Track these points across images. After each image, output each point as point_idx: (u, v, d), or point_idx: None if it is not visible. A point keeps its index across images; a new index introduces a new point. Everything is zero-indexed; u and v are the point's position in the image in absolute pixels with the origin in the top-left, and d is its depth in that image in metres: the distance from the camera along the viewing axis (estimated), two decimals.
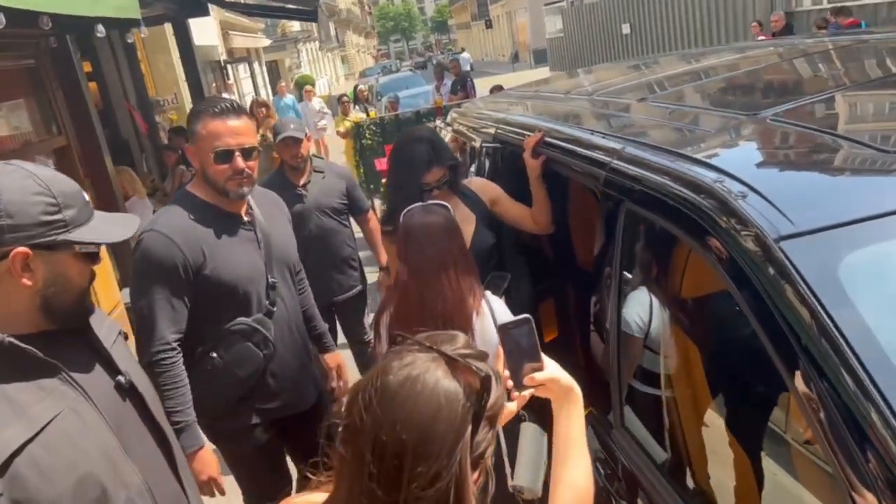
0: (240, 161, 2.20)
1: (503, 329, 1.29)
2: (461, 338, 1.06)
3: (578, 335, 3.29)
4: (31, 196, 1.25)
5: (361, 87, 12.08)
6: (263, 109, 9.17)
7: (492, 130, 3.02)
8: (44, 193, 1.27)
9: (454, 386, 0.95)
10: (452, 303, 1.99)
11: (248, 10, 11.56)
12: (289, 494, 2.30)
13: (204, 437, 2.24)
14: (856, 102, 1.83)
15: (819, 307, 1.13)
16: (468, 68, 21.74)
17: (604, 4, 20.45)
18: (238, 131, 2.21)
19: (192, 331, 2.23)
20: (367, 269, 4.26)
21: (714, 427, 1.68)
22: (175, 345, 2.18)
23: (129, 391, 1.45)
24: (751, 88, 2.30)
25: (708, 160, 1.53)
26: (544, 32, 29.99)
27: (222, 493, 2.26)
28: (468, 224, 2.54)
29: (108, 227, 1.40)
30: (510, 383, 1.24)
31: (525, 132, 2.60)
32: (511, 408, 1.23)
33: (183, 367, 2.20)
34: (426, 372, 0.96)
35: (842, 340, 1.09)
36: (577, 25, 22.33)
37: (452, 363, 0.97)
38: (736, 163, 1.53)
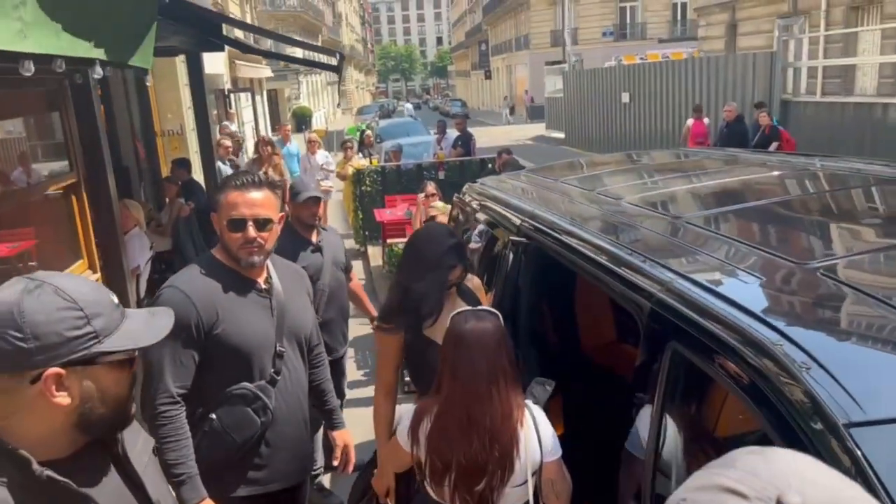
0: (251, 231, 2.31)
1: None
2: None
3: (584, 435, 3.27)
4: (57, 312, 1.18)
5: (368, 132, 12.13)
6: (269, 148, 9.16)
7: (517, 221, 3.02)
8: (70, 308, 1.20)
9: None
10: (500, 418, 1.93)
11: (278, 59, 11.65)
12: None
13: (205, 491, 2.24)
14: None
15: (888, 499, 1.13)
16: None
17: (605, 72, 20.91)
18: (255, 203, 2.33)
19: (195, 390, 2.29)
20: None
21: None
22: (179, 398, 2.25)
23: None
24: (795, 225, 2.32)
25: (765, 316, 1.53)
26: (543, 89, 30.52)
27: None
28: None
29: (140, 328, 1.34)
30: None
31: (555, 233, 2.60)
32: None
33: (185, 421, 2.26)
34: None
35: None
36: (577, 88, 22.77)
37: None
38: (793, 323, 1.53)
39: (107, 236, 4.88)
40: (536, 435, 1.96)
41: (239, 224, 2.31)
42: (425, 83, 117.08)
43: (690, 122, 13.03)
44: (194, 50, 8.22)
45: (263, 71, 23.90)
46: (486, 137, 19.35)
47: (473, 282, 2.73)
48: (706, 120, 13.21)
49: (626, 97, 18.75)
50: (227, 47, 13.73)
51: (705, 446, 1.78)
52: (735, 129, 11.08)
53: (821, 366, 1.34)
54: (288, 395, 2.45)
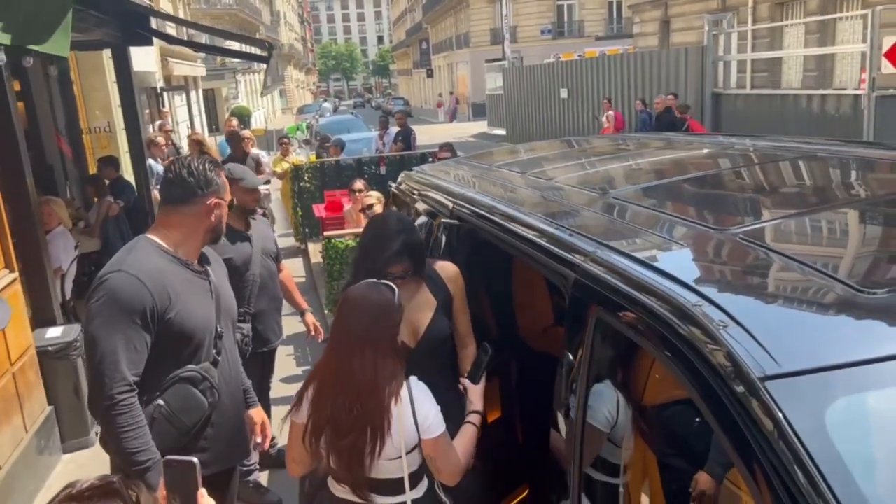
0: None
1: (167, 463, 1.44)
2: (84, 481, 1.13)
3: (520, 417, 3.27)
4: None
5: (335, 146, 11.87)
6: (198, 146, 8.89)
7: (449, 205, 2.99)
8: None
9: None
10: (366, 385, 1.96)
11: (198, 49, 11.34)
12: None
13: None
14: (824, 225, 1.88)
15: (802, 449, 1.13)
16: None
17: (543, 69, 21.13)
18: None
19: (142, 376, 2.22)
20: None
21: None
22: (134, 385, 2.18)
23: None
24: (715, 195, 2.36)
25: (685, 279, 1.53)
26: (484, 87, 30.68)
27: None
28: (427, 310, 2.49)
29: None
30: None
31: (486, 213, 2.58)
32: None
33: (140, 408, 2.20)
34: None
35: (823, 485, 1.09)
36: (517, 85, 22.94)
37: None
38: (712, 284, 1.54)
39: (25, 235, 4.65)
40: (412, 412, 1.97)
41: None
42: (367, 82, 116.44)
43: (612, 112, 14.08)
44: (120, 43, 7.95)
45: (198, 69, 23.32)
46: (427, 136, 19.29)
47: (446, 269, 2.60)
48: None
49: (564, 93, 18.98)
50: (157, 43, 13.34)
51: (634, 411, 1.78)
52: (664, 120, 11.62)
53: (738, 324, 1.34)
54: (228, 376, 2.46)
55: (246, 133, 8.38)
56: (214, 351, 2.38)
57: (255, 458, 3.79)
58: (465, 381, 2.27)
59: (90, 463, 4.33)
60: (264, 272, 3.74)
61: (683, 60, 13.93)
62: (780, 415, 1.18)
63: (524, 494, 3.03)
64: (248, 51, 9.65)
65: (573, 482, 1.79)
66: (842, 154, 2.61)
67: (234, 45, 10.23)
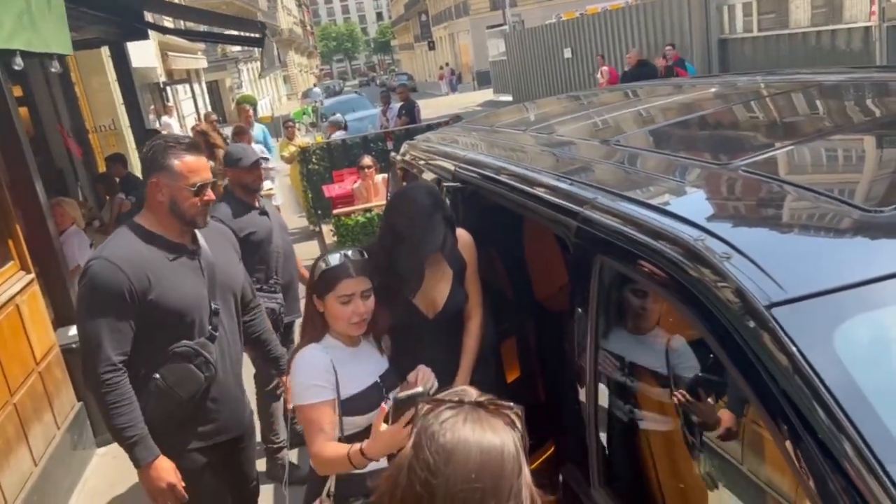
0: (211, 194, 2.45)
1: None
2: (471, 390, 1.12)
3: (541, 377, 3.26)
4: None
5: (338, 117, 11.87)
6: (202, 138, 8.90)
7: (451, 168, 2.96)
8: None
9: (501, 425, 1.04)
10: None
11: (192, 37, 11.29)
12: None
13: (157, 449, 2.33)
14: (827, 151, 1.83)
15: (814, 376, 1.10)
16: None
17: (545, 30, 20.84)
18: (206, 167, 2.46)
19: (136, 354, 2.34)
20: None
21: (697, 486, 1.64)
22: (120, 365, 2.29)
23: None
24: (717, 133, 2.30)
25: (686, 215, 1.50)
26: (487, 55, 30.34)
27: (184, 499, 2.37)
28: (445, 281, 2.47)
29: None
30: None
31: (487, 172, 2.55)
32: None
33: (130, 385, 2.31)
34: (475, 422, 1.03)
35: (834, 404, 1.06)
36: (520, 49, 22.66)
37: (485, 408, 1.05)
38: (714, 218, 1.50)
39: (39, 237, 4.69)
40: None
41: (202, 189, 2.39)
42: (370, 60, 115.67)
43: (606, 68, 14.64)
44: (117, 39, 7.94)
45: (199, 61, 23.31)
46: (432, 108, 19.16)
47: (461, 237, 2.51)
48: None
49: (568, 53, 18.74)
50: (155, 38, 13.33)
51: (644, 358, 1.75)
52: (638, 73, 11.45)
53: (742, 254, 1.31)
54: (227, 351, 2.53)
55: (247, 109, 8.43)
56: (210, 327, 2.45)
57: (283, 435, 3.83)
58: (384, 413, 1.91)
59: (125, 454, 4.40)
60: (286, 246, 3.84)
61: (686, 8, 13.66)
62: (790, 341, 1.15)
63: (550, 451, 3.03)
64: (243, 35, 9.56)
65: (591, 435, 1.77)
66: (845, 81, 2.53)
67: (231, 33, 10.14)
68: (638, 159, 2.07)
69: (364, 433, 1.94)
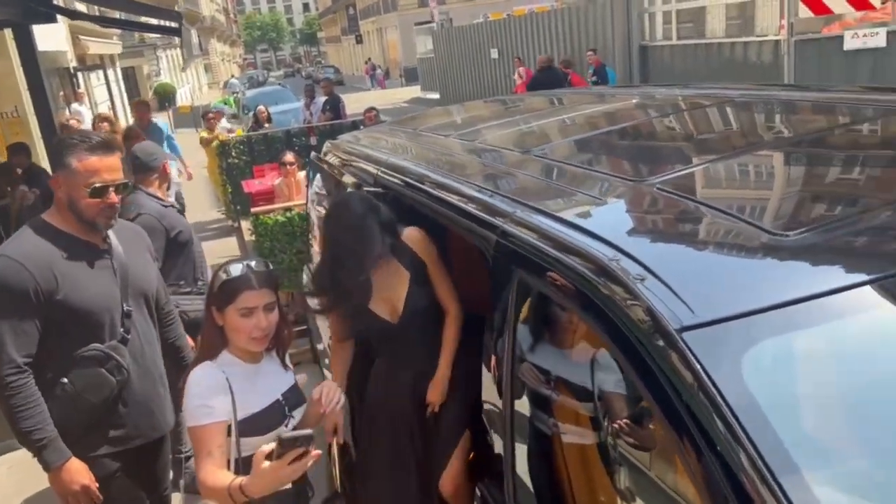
0: (114, 196, 2.33)
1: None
2: None
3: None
4: None
5: (261, 107, 11.55)
6: (106, 124, 8.50)
7: (373, 171, 2.90)
8: None
9: None
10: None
11: (106, 23, 10.76)
12: None
13: (68, 451, 2.27)
14: (740, 170, 1.88)
15: (720, 398, 1.12)
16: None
17: (473, 29, 20.93)
18: (113, 167, 2.34)
19: (43, 357, 2.26)
20: None
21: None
22: (25, 367, 2.22)
23: None
24: (634, 148, 2.33)
25: (602, 234, 1.50)
26: (415, 51, 30.28)
27: (99, 500, 2.32)
28: (401, 283, 2.43)
29: None
30: None
31: (409, 179, 2.51)
32: None
33: (35, 387, 2.24)
34: None
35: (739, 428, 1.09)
36: (447, 47, 22.69)
37: None
38: (629, 238, 1.51)
39: None
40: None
41: (101, 191, 2.29)
42: (295, 52, 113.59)
43: (523, 69, 15.14)
44: (21, 21, 7.46)
45: (114, 46, 22.29)
46: (359, 104, 18.95)
47: (410, 236, 2.48)
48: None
49: (494, 53, 18.87)
50: (66, 21, 12.65)
51: (560, 372, 1.76)
52: (543, 77, 11.86)
53: (655, 276, 1.32)
54: (140, 353, 2.47)
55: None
56: (122, 329, 2.38)
57: (190, 444, 3.70)
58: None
59: (21, 464, 4.15)
60: (199, 247, 3.76)
61: (609, 14, 13.96)
62: (698, 365, 1.16)
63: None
64: (160, 24, 9.18)
65: (507, 450, 1.77)
66: (758, 98, 2.62)
67: (148, 21, 9.71)
68: (557, 172, 2.08)
69: None
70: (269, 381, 2.03)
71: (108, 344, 2.34)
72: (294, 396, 2.08)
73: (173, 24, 7.59)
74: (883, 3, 8.84)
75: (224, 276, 1.96)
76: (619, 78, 13.22)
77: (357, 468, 2.68)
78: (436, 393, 2.46)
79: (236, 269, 1.96)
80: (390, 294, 2.45)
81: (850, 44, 9.05)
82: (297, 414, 2.07)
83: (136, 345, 2.44)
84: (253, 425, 1.95)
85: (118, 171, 2.35)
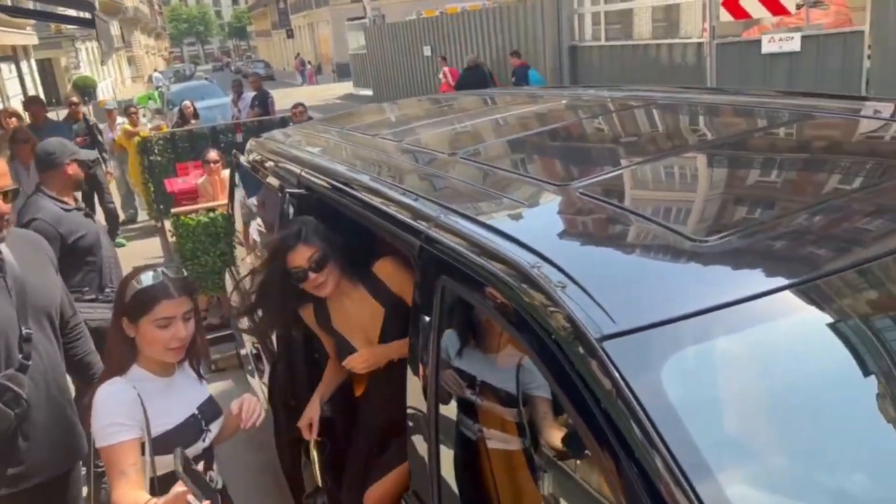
0: (3, 206, 2.12)
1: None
2: None
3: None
4: None
5: (187, 102, 11.11)
6: (14, 119, 8.06)
7: (297, 171, 2.81)
8: None
9: None
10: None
11: (14, 13, 10.21)
12: None
13: None
14: (661, 175, 1.88)
15: (637, 405, 1.12)
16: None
17: (405, 26, 20.83)
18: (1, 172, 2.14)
19: None
20: None
21: None
22: None
23: None
24: (560, 151, 2.33)
25: (524, 239, 1.48)
26: (347, 47, 29.93)
27: None
28: (376, 319, 2.37)
29: None
30: None
31: (334, 181, 2.44)
32: None
33: None
34: None
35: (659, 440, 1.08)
36: (380, 44, 22.51)
37: None
38: (551, 244, 1.49)
39: None
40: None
41: None
42: (224, 46, 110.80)
43: (447, 69, 15.38)
44: None
45: (28, 37, 21.20)
46: (290, 99, 18.64)
47: (381, 268, 2.42)
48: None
49: (427, 50, 18.82)
50: None
51: (485, 379, 1.73)
52: (468, 76, 12.42)
53: (577, 283, 1.30)
54: (43, 379, 2.24)
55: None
56: (21, 356, 2.16)
57: None
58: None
59: None
60: (111, 252, 3.55)
61: (540, 14, 14.10)
62: (618, 374, 1.15)
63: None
64: (73, 15, 8.75)
65: (431, 451, 1.73)
66: (681, 101, 2.65)
67: (61, 11, 9.24)
68: (483, 175, 2.05)
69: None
70: (183, 395, 1.94)
71: (4, 373, 2.12)
72: (210, 409, 1.99)
73: (87, 15, 7.23)
74: (798, 7, 9.22)
75: (137, 286, 1.85)
76: (549, 79, 13.38)
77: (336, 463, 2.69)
78: (358, 360, 2.36)
79: (149, 278, 1.86)
80: (366, 325, 2.41)
81: (767, 48, 9.40)
82: (214, 427, 1.99)
83: (39, 370, 2.22)
84: (168, 442, 1.85)
85: (4, 176, 2.14)
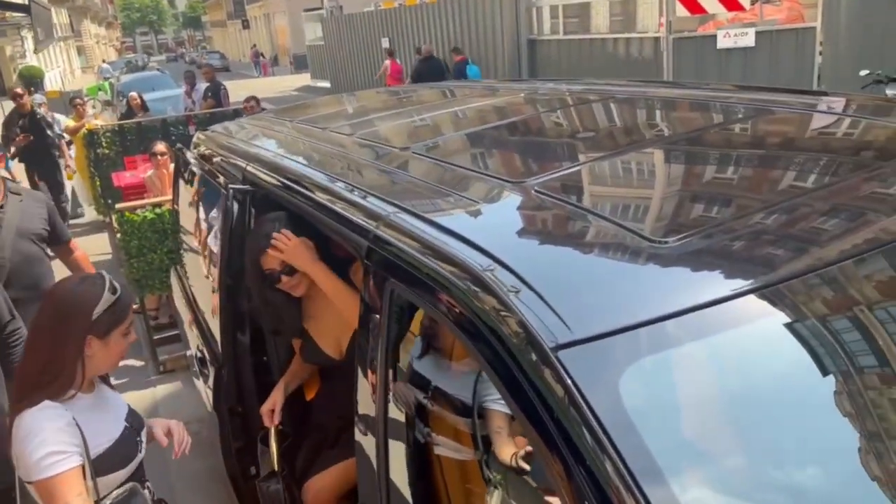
0: None
1: None
2: None
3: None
4: None
5: (133, 94, 10.73)
6: None
7: (241, 166, 2.69)
8: None
9: None
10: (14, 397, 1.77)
11: None
12: None
13: None
14: (619, 172, 1.82)
15: (590, 414, 1.05)
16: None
17: (363, 17, 20.59)
18: None
19: None
20: None
21: None
22: None
23: None
24: (515, 146, 2.25)
25: (476, 240, 1.40)
26: (304, 38, 29.49)
27: None
28: (347, 323, 2.23)
29: None
30: None
31: (280, 176, 2.32)
32: None
33: None
34: None
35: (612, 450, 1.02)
36: (337, 35, 22.23)
37: None
38: (504, 246, 1.41)
39: None
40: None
41: None
42: (178, 36, 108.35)
43: (388, 62, 15.60)
44: None
45: None
46: (245, 91, 18.30)
47: (358, 273, 2.28)
48: (398, 60, 16.16)
49: (385, 42, 18.64)
50: None
51: (438, 390, 1.64)
52: (423, 67, 12.80)
53: (531, 288, 1.22)
54: None
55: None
56: None
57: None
58: None
59: None
60: (16, 256, 3.29)
61: (498, 7, 14.05)
62: (571, 382, 1.08)
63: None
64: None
65: (379, 458, 1.65)
66: (638, 96, 2.60)
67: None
68: (436, 171, 1.96)
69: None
70: (111, 409, 1.82)
71: None
72: (135, 419, 1.88)
73: (22, 1, 6.92)
74: (752, 3, 9.33)
75: (112, 296, 1.71)
76: (507, 73, 13.36)
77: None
78: (290, 247, 2.27)
79: (111, 286, 1.72)
80: (338, 331, 2.36)
81: (722, 43, 9.50)
82: (143, 436, 1.87)
83: None
84: (109, 460, 1.74)
85: None
